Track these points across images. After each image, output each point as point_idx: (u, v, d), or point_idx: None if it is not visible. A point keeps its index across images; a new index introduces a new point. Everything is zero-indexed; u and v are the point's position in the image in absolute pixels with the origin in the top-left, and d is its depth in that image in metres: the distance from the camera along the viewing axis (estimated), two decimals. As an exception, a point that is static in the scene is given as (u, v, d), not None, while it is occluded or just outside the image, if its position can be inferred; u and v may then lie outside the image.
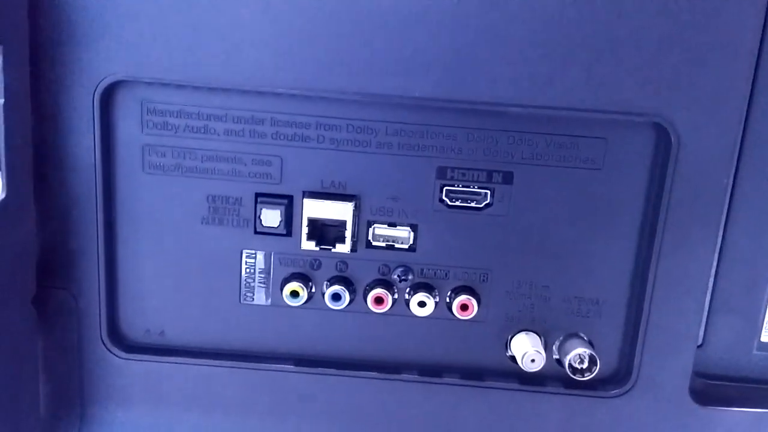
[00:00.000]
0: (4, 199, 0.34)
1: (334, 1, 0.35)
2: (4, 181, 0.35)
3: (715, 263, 0.40)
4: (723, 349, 0.42)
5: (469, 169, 0.38)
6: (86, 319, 0.40)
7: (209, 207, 0.39)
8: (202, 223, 0.39)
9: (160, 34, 0.35)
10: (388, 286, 0.40)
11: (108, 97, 0.37)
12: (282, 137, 0.38)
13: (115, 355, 0.41)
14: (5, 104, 0.33)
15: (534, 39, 0.35)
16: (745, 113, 0.37)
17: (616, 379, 0.41)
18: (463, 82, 0.36)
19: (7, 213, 0.35)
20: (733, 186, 0.38)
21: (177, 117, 0.38)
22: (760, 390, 0.42)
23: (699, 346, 0.41)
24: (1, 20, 0.33)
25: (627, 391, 0.40)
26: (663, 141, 0.37)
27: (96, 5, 0.35)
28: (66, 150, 0.38)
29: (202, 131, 0.38)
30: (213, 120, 0.38)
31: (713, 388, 0.41)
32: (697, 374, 0.41)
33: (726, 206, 0.39)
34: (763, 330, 0.41)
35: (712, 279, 0.40)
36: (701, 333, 0.41)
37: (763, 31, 0.36)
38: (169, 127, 0.38)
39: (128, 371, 0.41)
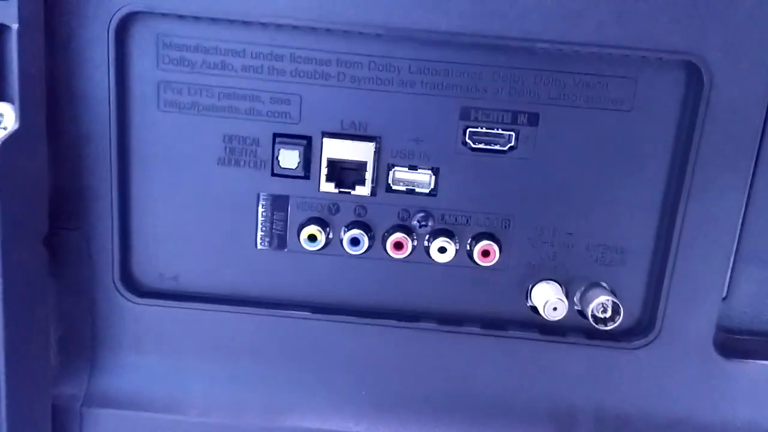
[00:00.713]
0: (17, 130, 0.33)
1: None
2: (18, 112, 0.34)
3: (743, 211, 0.39)
4: (747, 302, 0.41)
5: (493, 109, 0.37)
6: (98, 262, 0.39)
7: (225, 147, 0.38)
8: (218, 164, 0.38)
9: (177, -38, 0.35)
10: (408, 231, 0.39)
11: (123, 29, 0.36)
12: (301, 74, 0.37)
13: (127, 299, 0.40)
14: (19, 30, 0.32)
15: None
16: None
17: (638, 330, 0.40)
18: (490, 15, 0.35)
19: (20, 145, 0.34)
20: (763, 130, 0.37)
21: (194, 52, 0.37)
22: (785, 344, 0.41)
23: (724, 298, 0.40)
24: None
25: (650, 342, 0.39)
26: (695, 81, 0.36)
27: None
28: (79, 83, 0.36)
29: (220, 67, 0.37)
30: (231, 55, 0.37)
31: (737, 341, 0.41)
32: (720, 327, 0.41)
33: (756, 151, 0.38)
34: (790, 283, 0.40)
35: (738, 228, 0.39)
36: (726, 284, 0.40)
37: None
38: (186, 63, 0.37)
39: (141, 316, 0.40)
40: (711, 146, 0.36)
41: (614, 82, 0.36)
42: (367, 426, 0.41)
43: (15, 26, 0.32)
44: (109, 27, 0.36)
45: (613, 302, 0.38)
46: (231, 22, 0.36)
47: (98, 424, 0.41)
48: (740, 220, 0.39)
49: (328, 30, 0.36)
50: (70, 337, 0.40)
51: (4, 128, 0.34)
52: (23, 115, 0.34)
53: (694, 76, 0.36)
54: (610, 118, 0.37)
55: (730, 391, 0.40)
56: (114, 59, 0.36)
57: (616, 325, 0.38)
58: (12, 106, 0.34)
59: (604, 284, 0.39)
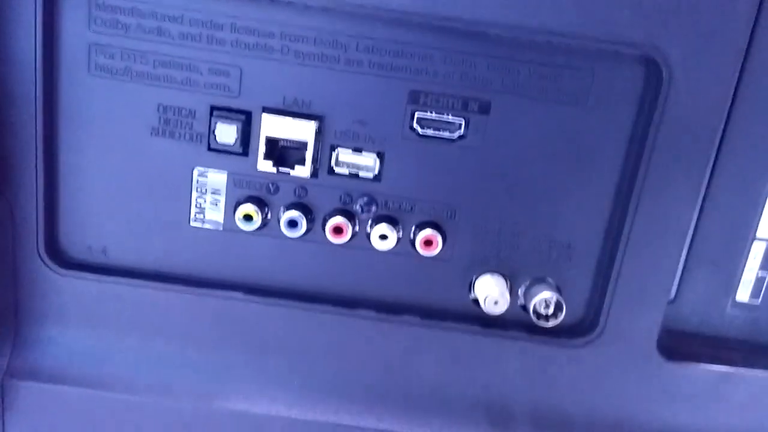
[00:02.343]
0: (-72, 90, 0.31)
1: None
2: (-70, 70, 0.31)
3: (696, 214, 0.38)
4: (696, 305, 0.40)
5: (443, 95, 0.35)
6: (23, 230, 0.37)
7: (160, 117, 0.36)
8: (151, 134, 0.36)
9: None
10: (349, 216, 0.37)
11: (52, -14, 0.34)
12: (242, 46, 0.35)
13: (53, 271, 0.38)
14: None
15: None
16: (744, 53, 0.34)
17: (581, 328, 0.39)
18: (440, -5, 0.33)
19: (-69, 105, 0.32)
20: (723, 132, 0.36)
21: (129, 15, 0.34)
22: (730, 349, 0.40)
23: (671, 301, 0.39)
24: None
25: (592, 341, 0.38)
26: (653, 77, 0.34)
27: None
28: (3, 42, 0.34)
29: (156, 33, 0.35)
30: (168, 21, 0.34)
31: (682, 344, 0.40)
32: (669, 329, 0.40)
33: (715, 153, 0.36)
34: (739, 288, 0.39)
35: (691, 231, 0.38)
36: (675, 286, 0.39)
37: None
38: (120, 26, 0.35)
39: (67, 289, 0.38)
40: (667, 145, 0.35)
41: (570, 74, 0.35)
42: (299, 411, 0.40)
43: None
44: (35, -17, 0.33)
45: (557, 299, 0.37)
46: (168, -16, 0.34)
47: (19, 397, 0.39)
48: (693, 222, 0.38)
49: (272, 0, 0.34)
50: (-8, 307, 0.39)
51: None
52: (-64, 75, 0.31)
53: (653, 73, 0.34)
54: (564, 110, 0.35)
55: (672, 394, 0.39)
56: (41, 17, 0.34)
57: (558, 322, 0.37)
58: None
59: (550, 280, 0.38)
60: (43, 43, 0.34)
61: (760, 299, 0.39)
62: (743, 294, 0.39)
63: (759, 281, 0.39)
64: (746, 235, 0.38)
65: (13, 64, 0.35)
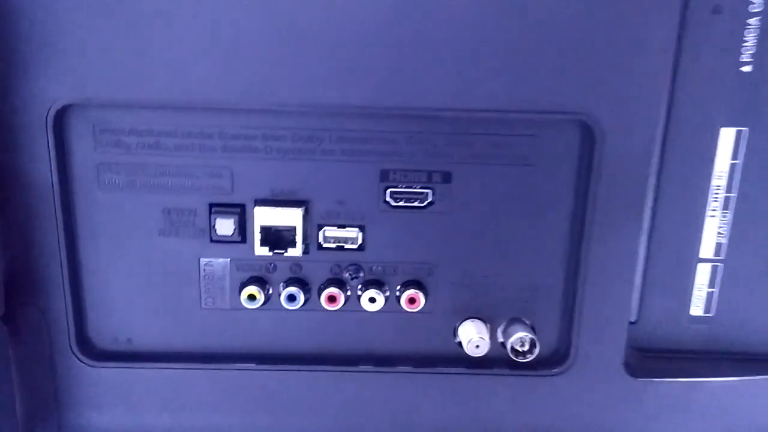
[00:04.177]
0: (-33, 227, 0.36)
1: (270, 23, 0.37)
2: (-34, 209, 0.36)
3: (645, 246, 0.43)
4: (656, 324, 0.45)
5: (410, 170, 0.41)
6: (56, 331, 0.42)
7: (165, 219, 0.41)
8: (159, 234, 0.41)
9: (105, 58, 0.37)
10: (341, 284, 0.42)
11: (60, 120, 0.39)
12: (231, 150, 0.40)
13: (85, 363, 0.43)
14: (-39, 136, 0.35)
15: (462, 47, 0.37)
16: (666, 108, 0.40)
17: (555, 358, 0.44)
18: (398, 90, 0.38)
19: (-30, 239, 0.36)
20: (659, 175, 0.41)
21: (128, 135, 0.40)
22: (691, 360, 0.45)
23: (634, 323, 0.44)
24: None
25: (566, 370, 0.43)
26: (588, 137, 0.39)
27: (41, 34, 0.37)
28: (24, 173, 0.39)
29: (154, 147, 0.40)
30: (163, 136, 0.40)
31: (647, 361, 0.45)
32: (635, 348, 0.45)
33: (653, 195, 0.41)
34: (693, 304, 0.44)
35: (643, 261, 0.43)
36: (636, 310, 0.44)
37: (680, 30, 0.39)
38: (122, 145, 0.40)
39: (99, 378, 0.43)
40: (606, 194, 0.40)
41: (517, 141, 0.40)
42: (318, 461, 0.44)
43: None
44: (47, 119, 0.38)
45: (530, 338, 0.42)
46: (161, 107, 0.39)
47: (67, 479, 0.44)
48: (642, 254, 0.43)
49: (251, 110, 0.39)
50: (35, 402, 0.43)
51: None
52: (-28, 212, 0.36)
53: (587, 133, 0.39)
54: (515, 172, 0.40)
55: (642, 409, 0.44)
56: (54, 147, 0.39)
57: (533, 357, 0.42)
58: (-39, 200, 0.37)
59: (524, 320, 0.43)
60: (57, 168, 0.39)
61: (713, 312, 0.44)
62: (697, 309, 0.44)
63: (709, 296, 0.44)
64: (691, 258, 0.43)
65: (33, 189, 0.40)
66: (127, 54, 0.37)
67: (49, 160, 0.39)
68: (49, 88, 0.38)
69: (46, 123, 0.38)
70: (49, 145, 0.39)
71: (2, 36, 0.37)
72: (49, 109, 0.38)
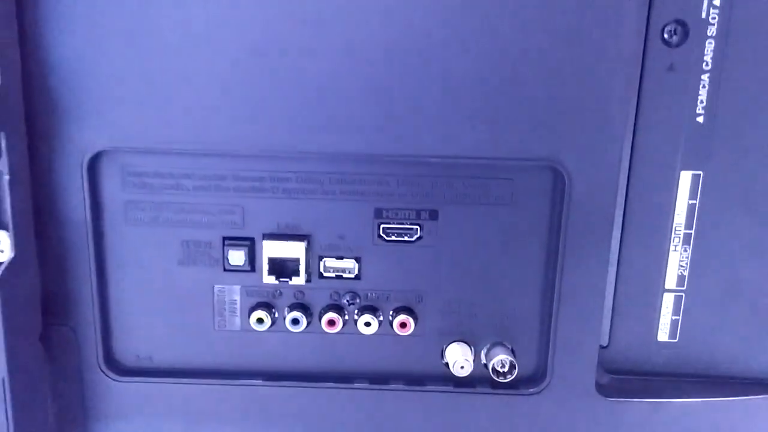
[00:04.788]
0: (13, 258, 0.41)
1: (278, 84, 0.42)
2: (13, 242, 0.42)
3: (615, 277, 0.47)
4: (626, 348, 0.49)
5: (401, 209, 0.46)
6: (85, 349, 0.47)
7: (184, 251, 0.46)
8: (178, 264, 0.46)
9: (134, 112, 0.43)
10: (340, 309, 0.47)
11: (94, 164, 0.44)
12: (242, 190, 0.45)
13: (111, 378, 0.48)
14: (10, 180, 0.41)
15: (447, 103, 0.42)
16: (629, 153, 0.45)
17: (533, 379, 0.48)
18: (390, 138, 0.43)
19: (16, 268, 0.42)
20: (626, 213, 0.46)
21: (152, 177, 0.45)
22: (658, 382, 0.49)
23: (605, 347, 0.49)
24: (3, 112, 0.40)
25: (543, 389, 0.48)
26: (559, 180, 0.44)
27: (80, 89, 0.42)
28: (60, 210, 0.45)
29: (175, 188, 0.45)
30: (183, 178, 0.45)
31: (618, 382, 0.49)
32: (606, 370, 0.49)
33: (620, 231, 0.46)
34: (659, 331, 0.49)
35: (612, 289, 0.48)
36: (607, 335, 0.49)
37: (640, 85, 0.43)
38: (146, 186, 0.45)
39: (123, 392, 0.48)
40: (576, 229, 0.45)
41: (495, 183, 0.45)
42: (318, 470, 0.49)
43: (6, 177, 0.40)
44: (82, 164, 0.44)
45: (510, 360, 0.46)
46: (181, 153, 0.44)
47: (93, 485, 0.49)
48: (611, 283, 0.47)
49: (260, 155, 0.44)
50: (65, 413, 0.48)
51: (1, 251, 0.42)
52: (17, 245, 0.42)
53: (557, 176, 0.44)
54: (495, 211, 0.45)
55: (612, 427, 0.48)
56: (88, 189, 0.44)
57: (513, 377, 0.46)
58: (8, 233, 0.42)
59: (505, 343, 0.48)
60: (90, 207, 0.45)
61: (677, 338, 0.49)
62: (663, 335, 0.49)
63: (674, 323, 0.48)
64: (657, 288, 0.48)
65: (68, 223, 0.45)
66: (152, 108, 0.43)
67: (84, 198, 0.45)
68: (86, 136, 0.43)
69: (82, 167, 0.44)
70: (84, 185, 0.44)
71: (47, 90, 0.42)
72: (85, 154, 0.44)
